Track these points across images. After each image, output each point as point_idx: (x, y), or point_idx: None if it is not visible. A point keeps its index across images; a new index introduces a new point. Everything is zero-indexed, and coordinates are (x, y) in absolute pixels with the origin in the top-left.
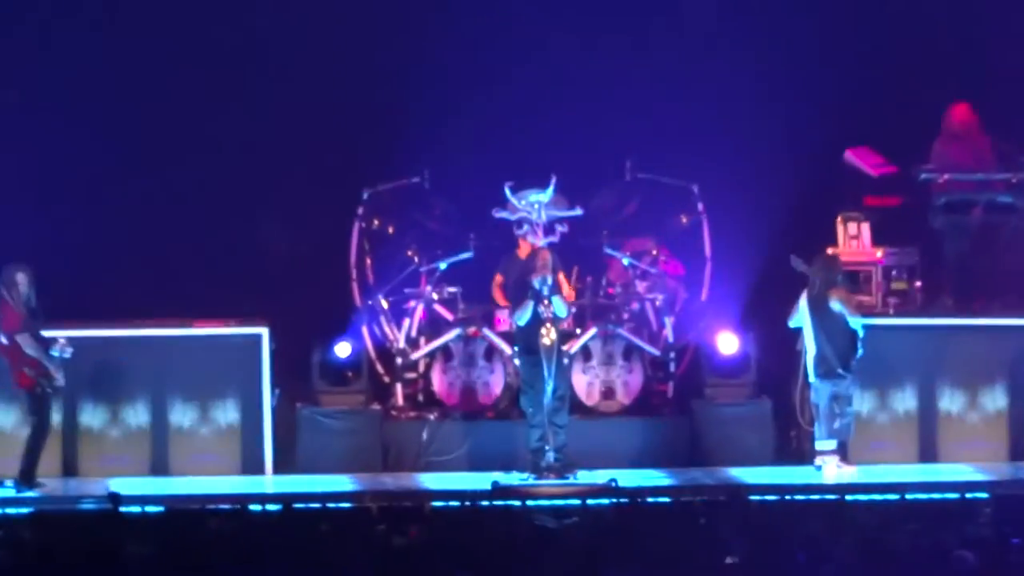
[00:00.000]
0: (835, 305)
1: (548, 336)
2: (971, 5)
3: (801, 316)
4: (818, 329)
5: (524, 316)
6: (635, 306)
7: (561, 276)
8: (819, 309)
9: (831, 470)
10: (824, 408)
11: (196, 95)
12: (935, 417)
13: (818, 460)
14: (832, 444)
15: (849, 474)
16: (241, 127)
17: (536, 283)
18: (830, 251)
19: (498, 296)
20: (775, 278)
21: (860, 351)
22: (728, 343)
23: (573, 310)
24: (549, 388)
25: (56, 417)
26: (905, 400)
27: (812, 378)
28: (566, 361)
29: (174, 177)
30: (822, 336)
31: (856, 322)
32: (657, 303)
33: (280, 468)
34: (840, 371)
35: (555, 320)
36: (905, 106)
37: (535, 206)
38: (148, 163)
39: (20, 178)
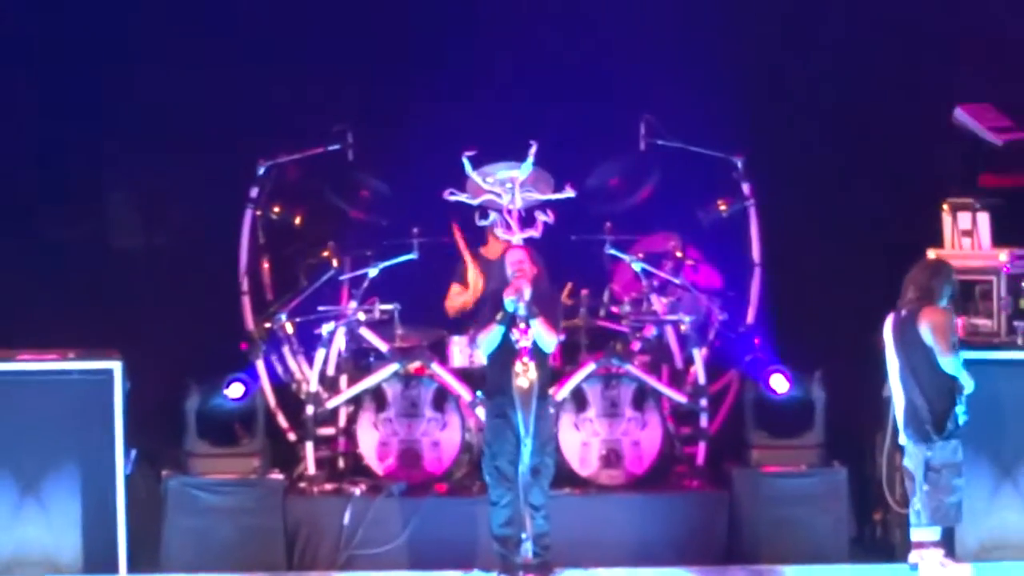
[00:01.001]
0: (924, 333)
1: (525, 375)
2: None
3: (888, 354)
4: (906, 369)
5: (491, 344)
6: (651, 332)
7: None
8: (906, 338)
9: (933, 570)
10: (920, 481)
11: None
12: None
13: (914, 556)
14: (934, 533)
15: None
16: (78, 68)
17: (509, 301)
18: (932, 254)
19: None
20: (853, 292)
21: (962, 412)
22: (783, 385)
23: (562, 337)
24: (526, 452)
25: None
26: None
27: (903, 438)
28: (551, 411)
29: None
30: (910, 378)
31: (952, 366)
32: (682, 328)
33: (138, 565)
34: (931, 432)
35: (536, 354)
36: None
37: (507, 186)
38: None
39: None
